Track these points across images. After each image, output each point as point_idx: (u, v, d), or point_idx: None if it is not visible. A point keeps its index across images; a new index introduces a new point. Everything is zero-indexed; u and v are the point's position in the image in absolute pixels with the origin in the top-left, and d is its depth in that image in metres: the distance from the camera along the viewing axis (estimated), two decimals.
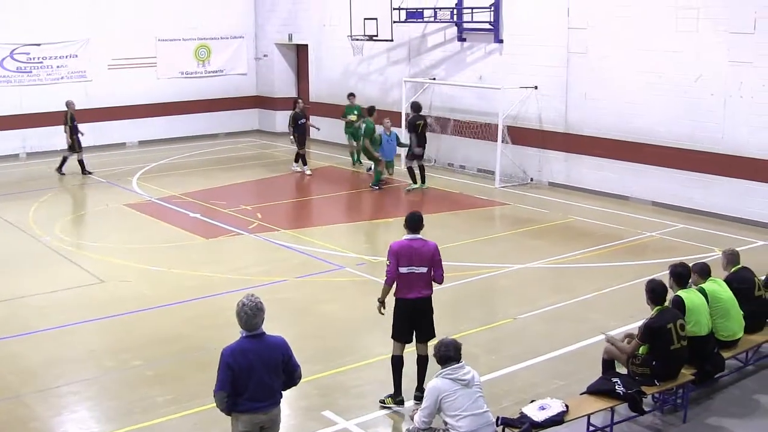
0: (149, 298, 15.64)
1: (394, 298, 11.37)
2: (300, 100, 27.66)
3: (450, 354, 9.21)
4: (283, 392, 8.59)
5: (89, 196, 24.17)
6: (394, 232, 20.65)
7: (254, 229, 20.28)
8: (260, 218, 21.24)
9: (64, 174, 26.91)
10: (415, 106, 25.13)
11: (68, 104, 27.26)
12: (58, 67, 31.01)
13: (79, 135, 27.09)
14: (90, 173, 26.99)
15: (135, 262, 17.69)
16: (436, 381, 9.18)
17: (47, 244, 19.19)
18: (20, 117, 30.40)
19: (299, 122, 26.70)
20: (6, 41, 29.84)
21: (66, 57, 31.08)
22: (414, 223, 11.53)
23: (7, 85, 30.07)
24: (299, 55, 34.69)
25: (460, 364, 9.20)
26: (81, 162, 27.16)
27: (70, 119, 27.00)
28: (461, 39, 26.67)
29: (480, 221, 21.31)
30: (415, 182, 24.55)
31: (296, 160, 27.12)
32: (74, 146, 27.04)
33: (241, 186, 25.51)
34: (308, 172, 26.55)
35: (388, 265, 11.22)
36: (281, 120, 34.98)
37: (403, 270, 11.17)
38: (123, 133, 32.52)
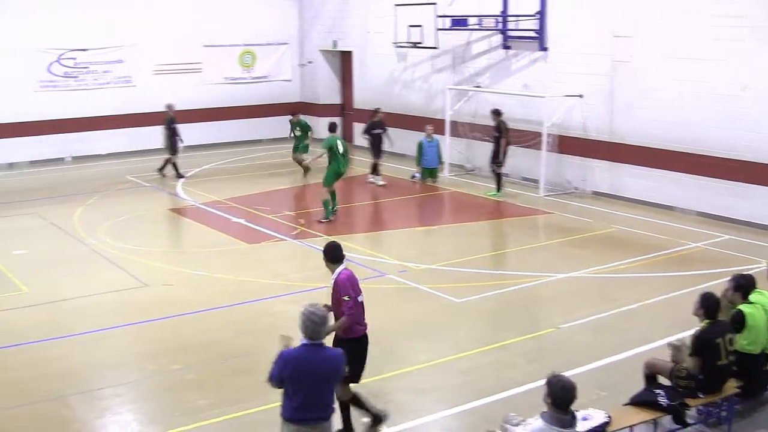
0: (191, 302, 15.69)
1: (351, 336, 10.53)
2: (379, 109, 27.35)
3: (570, 398, 7.86)
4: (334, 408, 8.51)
5: (134, 201, 24.30)
6: (438, 239, 20.65)
7: (297, 235, 20.31)
8: (303, 224, 21.28)
9: (165, 176, 27.41)
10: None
11: (168, 107, 27.69)
12: (103, 72, 31.27)
13: (178, 138, 27.45)
14: (182, 176, 27.41)
15: (178, 266, 17.77)
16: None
17: (92, 247, 19.33)
18: (66, 121, 30.68)
19: (373, 131, 26.66)
20: (54, 46, 30.16)
21: (112, 62, 31.34)
22: (338, 253, 10.90)
23: (54, 90, 30.37)
24: (344, 61, 34.74)
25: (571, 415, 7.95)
26: (175, 165, 27.56)
27: (169, 121, 27.38)
28: (506, 47, 26.59)
29: (523, 230, 21.21)
30: (498, 189, 24.74)
31: (373, 171, 26.71)
32: (172, 148, 27.38)
33: (284, 192, 25.57)
34: (380, 183, 26.27)
35: (347, 300, 10.44)
36: (325, 126, 34.99)
37: (360, 299, 10.62)
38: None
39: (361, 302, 10.64)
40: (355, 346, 10.40)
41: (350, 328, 10.46)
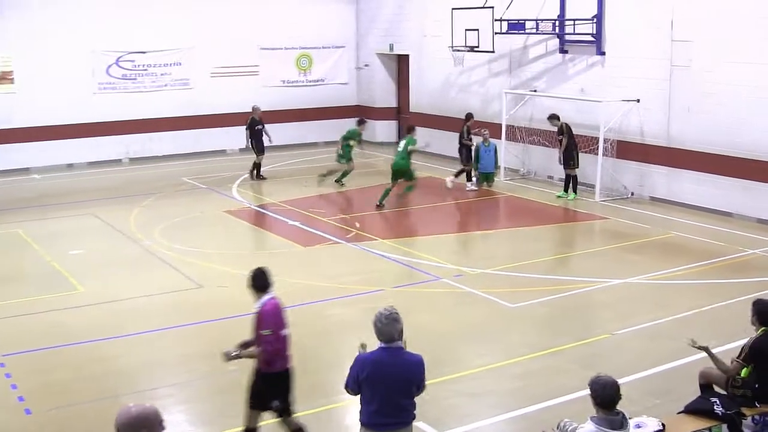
0: (245, 304, 15.60)
1: (273, 370, 9.87)
2: (471, 115, 26.88)
3: (612, 395, 7.86)
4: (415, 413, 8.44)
5: (190, 202, 24.51)
6: (494, 244, 20.61)
7: (352, 239, 20.37)
8: (359, 227, 21.34)
9: (264, 178, 27.79)
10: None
11: (253, 108, 28.15)
12: (162, 74, 31.62)
13: (265, 138, 27.88)
14: (263, 178, 27.77)
15: (233, 267, 17.87)
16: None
17: (147, 248, 19.55)
18: (124, 123, 31.08)
19: (463, 140, 26.47)
20: (113, 49, 30.55)
21: (170, 65, 31.68)
22: (265, 281, 10.37)
23: (112, 92, 30.77)
24: (400, 65, 34.78)
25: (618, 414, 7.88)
26: (258, 166, 27.87)
27: (251, 123, 27.70)
28: (563, 51, 26.48)
29: (579, 235, 21.13)
30: (566, 191, 24.74)
31: (467, 178, 26.42)
32: (256, 149, 27.75)
33: (340, 195, 25.66)
34: (449, 185, 26.11)
35: (268, 334, 9.77)
36: (381, 130, 35.12)
37: (284, 333, 9.94)
38: (224, 141, 32.94)
39: (285, 336, 9.90)
40: (277, 379, 9.84)
41: (272, 361, 9.76)
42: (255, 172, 27.77)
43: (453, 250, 19.69)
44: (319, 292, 16.26)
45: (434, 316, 15.21)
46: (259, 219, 22.48)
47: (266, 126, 28.14)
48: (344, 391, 8.61)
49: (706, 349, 10.52)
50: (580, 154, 24.58)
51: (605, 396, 7.75)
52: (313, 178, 26.93)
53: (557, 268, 18.41)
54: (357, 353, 8.48)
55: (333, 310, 15.31)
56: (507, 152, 27.32)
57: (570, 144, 24.49)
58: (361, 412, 8.36)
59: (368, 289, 16.46)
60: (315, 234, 20.98)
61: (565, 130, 24.44)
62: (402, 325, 8.32)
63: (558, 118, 24.71)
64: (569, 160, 24.53)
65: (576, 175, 24.64)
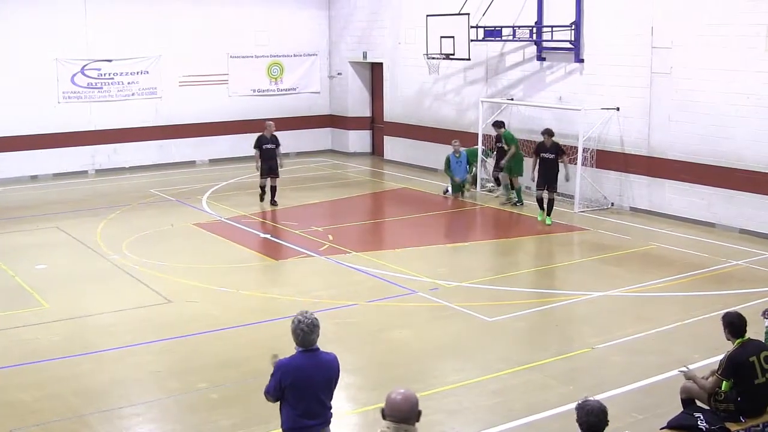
0: (216, 319, 15.74)
1: None
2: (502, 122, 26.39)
3: (597, 423, 7.65)
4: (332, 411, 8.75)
5: (158, 215, 24.40)
6: (470, 256, 20.62)
7: (325, 251, 20.33)
8: (332, 240, 21.31)
9: (275, 204, 25.34)
10: None
11: (265, 125, 25.54)
12: (128, 83, 31.51)
13: (279, 160, 25.26)
14: (274, 203, 25.34)
15: (203, 282, 17.83)
16: None
17: (114, 263, 19.44)
18: (90, 133, 30.94)
19: (497, 144, 26.25)
20: (77, 57, 30.42)
21: (137, 73, 31.58)
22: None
23: (77, 101, 30.62)
24: (374, 73, 34.81)
25: None
26: (263, 189, 25.54)
27: (258, 141, 25.23)
28: (540, 58, 26.57)
29: (558, 247, 21.16)
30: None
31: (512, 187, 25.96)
32: (260, 170, 25.31)
33: (312, 207, 25.61)
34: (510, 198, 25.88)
35: None
36: (354, 140, 35.13)
37: None
38: (193, 151, 32.93)
39: None
40: None
41: None
42: (264, 196, 25.52)
43: (429, 263, 19.70)
44: (292, 307, 16.15)
45: (410, 331, 15.20)
46: (229, 232, 22.40)
47: (278, 143, 25.52)
48: None
49: (693, 377, 10.57)
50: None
51: (590, 423, 7.61)
52: (281, 190, 26.83)
53: (536, 281, 18.43)
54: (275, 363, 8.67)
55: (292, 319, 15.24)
56: (483, 162, 27.38)
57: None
58: (284, 419, 8.60)
59: (342, 303, 16.43)
60: (287, 247, 20.95)
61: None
62: (319, 329, 8.59)
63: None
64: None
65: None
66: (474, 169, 26.93)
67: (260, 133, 25.34)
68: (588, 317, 15.97)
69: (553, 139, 22.83)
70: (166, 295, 17.06)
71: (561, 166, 22.75)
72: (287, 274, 19.17)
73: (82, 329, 15.43)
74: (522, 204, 24.90)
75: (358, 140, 35.30)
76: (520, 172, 25.20)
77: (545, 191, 22.90)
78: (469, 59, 27.17)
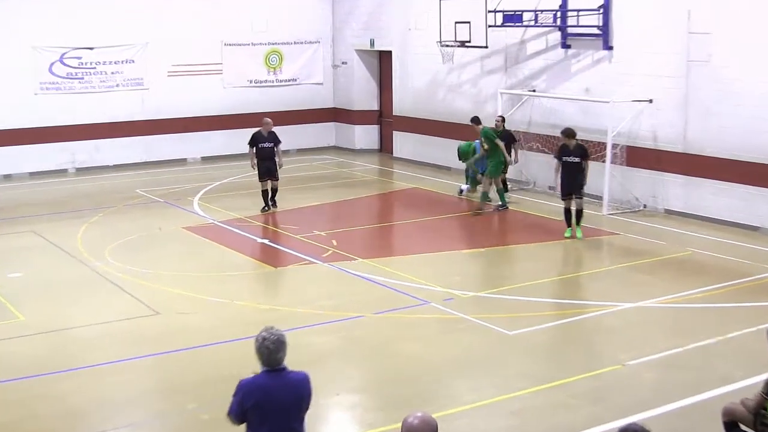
0: (209, 332, 15.72)
1: None
2: (502, 117, 26.43)
3: None
4: None
5: (145, 218, 24.42)
6: (488, 263, 20.60)
7: (329, 258, 20.32)
8: (336, 245, 21.29)
9: (275, 207, 25.07)
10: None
11: (262, 122, 25.17)
12: (112, 73, 31.56)
13: (279, 159, 24.91)
14: (270, 208, 25.05)
15: (194, 292, 17.83)
16: None
17: (97, 270, 19.44)
18: (70, 128, 30.99)
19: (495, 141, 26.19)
20: (56, 44, 30.44)
21: (122, 62, 31.63)
22: None
23: (56, 93, 30.66)
24: (382, 62, 34.83)
25: None
26: (264, 194, 25.07)
27: (252, 139, 24.94)
28: (565, 45, 26.54)
29: (584, 253, 21.11)
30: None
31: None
32: (258, 172, 24.94)
33: (315, 209, 25.61)
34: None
35: None
36: (361, 135, 35.13)
37: None
38: (184, 148, 32.98)
39: None
40: None
41: None
42: (266, 200, 25.09)
43: (442, 271, 19.67)
44: (292, 319, 16.18)
45: (421, 345, 15.17)
46: (223, 236, 22.40)
47: (278, 141, 25.17)
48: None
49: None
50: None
51: None
52: (280, 190, 26.84)
53: (560, 291, 18.40)
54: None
55: (308, 339, 15.22)
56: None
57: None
58: None
59: (347, 315, 16.40)
60: (286, 253, 20.93)
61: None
62: (287, 346, 8.43)
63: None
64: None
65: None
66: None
67: (257, 130, 25.09)
68: (617, 330, 15.91)
69: (577, 139, 22.03)
70: (154, 305, 17.04)
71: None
72: (287, 282, 19.17)
73: (60, 344, 15.41)
74: (506, 208, 24.82)
75: (365, 136, 35.31)
76: (498, 173, 24.85)
77: (572, 200, 21.90)
78: (486, 47, 27.14)
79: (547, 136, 26.38)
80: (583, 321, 16.29)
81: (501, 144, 24.60)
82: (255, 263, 20.58)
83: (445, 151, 29.15)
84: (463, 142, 26.84)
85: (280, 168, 25.15)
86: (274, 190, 25.14)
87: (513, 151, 25.65)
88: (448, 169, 29.63)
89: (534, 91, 27.44)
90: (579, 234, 21.87)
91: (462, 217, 24.57)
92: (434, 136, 29.84)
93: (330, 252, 20.79)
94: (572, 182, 21.75)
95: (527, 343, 15.19)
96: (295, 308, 16.84)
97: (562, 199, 22.16)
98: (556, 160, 22.34)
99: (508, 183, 26.14)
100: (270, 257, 20.86)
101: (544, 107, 27.14)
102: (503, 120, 25.93)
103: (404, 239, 23.04)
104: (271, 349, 8.33)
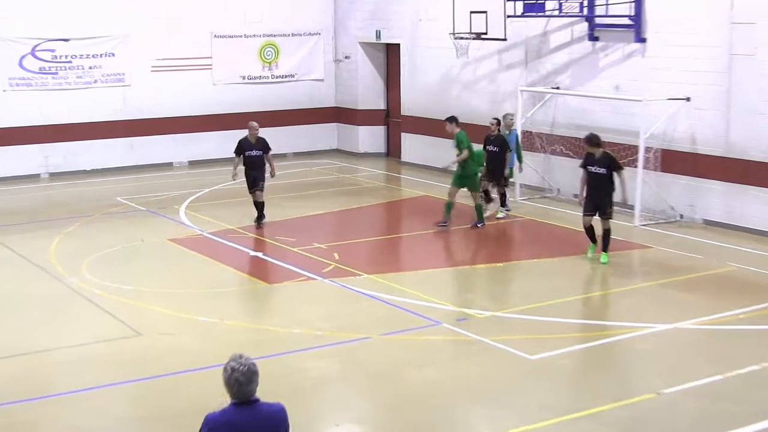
0: (196, 355, 15.68)
1: None
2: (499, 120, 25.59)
3: None
4: None
5: (125, 228, 24.43)
6: (507, 279, 20.56)
7: (329, 273, 20.30)
8: (337, 259, 21.27)
9: (261, 222, 24.58)
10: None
11: (248, 126, 24.72)
12: (90, 68, 31.58)
13: (270, 167, 24.55)
14: (261, 221, 24.57)
15: (179, 310, 17.79)
16: None
17: (72, 287, 19.41)
18: (42, 129, 31.02)
19: (487, 147, 25.30)
20: (27, 35, 30.44)
21: (100, 56, 31.65)
22: None
23: (27, 90, 30.67)
24: (389, 57, 34.86)
25: None
26: (258, 206, 24.63)
27: (238, 147, 24.60)
28: (593, 38, 26.52)
29: (614, 268, 21.03)
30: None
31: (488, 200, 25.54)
32: (247, 183, 24.64)
33: (314, 219, 25.58)
34: (500, 215, 25.44)
35: None
36: (365, 137, 35.12)
37: None
38: (169, 151, 32.99)
39: None
40: None
41: None
42: (260, 211, 24.64)
43: (456, 288, 19.64)
44: (288, 341, 16.16)
45: (432, 371, 15.12)
46: (212, 249, 22.38)
47: (268, 149, 24.76)
48: None
49: None
50: None
51: None
52: (276, 198, 26.80)
53: (587, 310, 18.36)
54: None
55: (308, 363, 15.20)
56: (524, 164, 27.18)
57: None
58: None
59: (351, 336, 16.36)
60: (283, 267, 20.91)
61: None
62: (259, 376, 8.29)
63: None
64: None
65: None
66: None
67: (244, 136, 24.71)
68: (651, 355, 15.86)
69: (603, 148, 20.98)
70: (135, 326, 17.01)
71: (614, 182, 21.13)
72: (283, 300, 19.12)
73: (32, 368, 15.36)
74: (483, 225, 24.31)
75: (370, 138, 35.36)
76: (476, 187, 24.20)
77: (597, 217, 21.05)
78: (505, 39, 27.14)
79: (572, 138, 26.37)
80: (613, 344, 16.24)
81: (478, 151, 24.35)
82: (247, 279, 20.56)
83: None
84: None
85: (272, 177, 24.86)
86: (263, 204, 24.67)
87: (506, 160, 25.14)
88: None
89: (558, 88, 27.42)
90: (605, 259, 20.96)
91: (478, 229, 24.51)
92: (447, 139, 29.72)
93: (331, 267, 20.77)
94: (597, 197, 20.89)
95: (551, 368, 15.14)
96: (292, 329, 16.80)
97: (585, 215, 21.20)
98: (582, 170, 21.39)
99: (507, 197, 25.80)
100: (264, 272, 20.84)
101: (568, 106, 27.12)
102: (499, 123, 25.25)
103: (414, 253, 23.00)
104: (241, 381, 8.16)
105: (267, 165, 24.61)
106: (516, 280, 20.62)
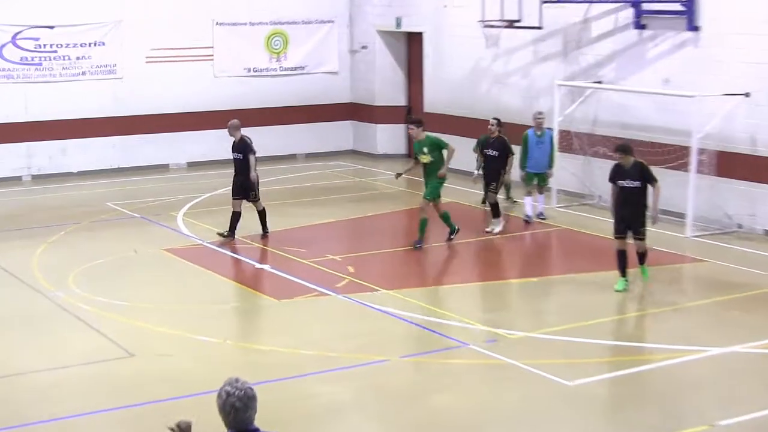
0: (194, 379, 15.69)
1: None
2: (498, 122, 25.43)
3: None
4: None
5: (116, 237, 24.50)
6: (542, 296, 20.54)
7: (344, 288, 20.33)
8: (353, 273, 21.31)
9: (228, 235, 24.19)
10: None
11: (231, 126, 24.53)
12: (77, 58, 31.65)
13: (253, 174, 23.98)
14: (226, 235, 24.09)
15: (177, 328, 17.83)
16: None
17: (57, 301, 19.46)
18: (24, 126, 31.10)
19: (484, 151, 25.39)
20: (7, 21, 30.53)
21: (89, 45, 31.73)
22: None
23: (7, 82, 30.77)
24: (410, 47, 34.89)
25: None
26: (235, 216, 24.27)
27: (250, 147, 24.23)
28: (639, 26, 26.49)
29: (663, 285, 21.00)
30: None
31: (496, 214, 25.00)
32: (257, 191, 24.26)
33: (327, 228, 25.62)
34: (493, 229, 24.81)
35: None
36: (384, 137, 35.13)
37: None
38: (165, 152, 33.06)
39: None
40: None
41: None
42: (234, 227, 24.13)
43: (484, 305, 19.65)
44: (299, 364, 16.19)
45: (458, 398, 15.12)
46: (213, 261, 22.43)
47: (248, 151, 24.16)
48: None
49: None
50: (663, 171, 24.47)
51: None
52: (285, 204, 26.84)
53: (631, 331, 18.36)
54: None
55: (320, 388, 15.22)
56: (561, 169, 27.23)
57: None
58: None
59: (367, 359, 16.38)
60: (292, 282, 20.93)
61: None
62: (257, 402, 8.22)
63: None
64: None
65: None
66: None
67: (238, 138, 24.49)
68: (704, 382, 15.84)
69: (635, 158, 20.03)
70: (127, 345, 17.05)
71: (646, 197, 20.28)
72: (291, 318, 19.11)
73: (13, 392, 15.42)
74: (421, 247, 23.45)
75: (389, 138, 35.39)
76: (436, 195, 23.65)
77: (630, 238, 20.02)
78: (540, 28, 27.17)
79: (616, 138, 26.28)
80: (661, 370, 16.20)
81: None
82: (252, 294, 20.59)
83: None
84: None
85: (257, 184, 24.23)
86: (261, 214, 24.42)
87: (508, 166, 25.04)
88: None
89: (600, 82, 27.40)
90: (645, 275, 20.31)
91: (509, 239, 24.53)
92: (475, 139, 29.78)
93: (346, 281, 20.81)
94: (630, 216, 19.84)
95: (590, 396, 15.15)
96: (302, 350, 16.82)
97: (615, 238, 20.23)
98: (611, 185, 20.34)
99: (500, 205, 25.57)
100: (271, 287, 20.87)
101: (612, 103, 27.09)
102: (499, 124, 25.10)
103: (437, 266, 23.03)
104: (237, 407, 8.07)
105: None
106: (551, 296, 20.62)
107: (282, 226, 25.22)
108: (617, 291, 19.94)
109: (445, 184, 23.56)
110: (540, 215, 25.66)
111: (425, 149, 23.50)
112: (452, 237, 23.68)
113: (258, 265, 22.20)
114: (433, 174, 23.47)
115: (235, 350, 17.01)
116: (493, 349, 16.87)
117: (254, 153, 24.12)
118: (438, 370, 16.18)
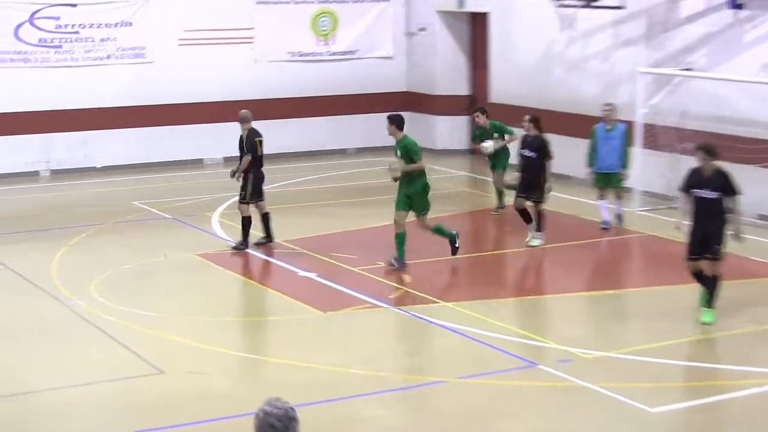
0: (232, 400, 15.76)
1: None
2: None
3: None
4: None
5: (144, 240, 24.60)
6: (621, 311, 20.47)
7: (398, 300, 20.37)
8: (409, 283, 21.33)
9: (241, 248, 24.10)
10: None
11: (243, 118, 25.24)
12: (101, 40, 31.81)
13: (238, 172, 24.54)
14: (240, 247, 24.05)
15: (210, 343, 17.89)
16: None
17: (77, 311, 19.59)
18: (42, 115, 31.26)
19: (520, 151, 25.09)
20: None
21: (115, 25, 31.87)
22: None
23: (24, 66, 30.94)
24: (475, 29, 34.90)
25: None
26: (264, 218, 24.42)
27: (248, 144, 24.65)
28: (735, 5, 26.37)
29: (760, 299, 20.93)
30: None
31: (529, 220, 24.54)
32: (245, 192, 24.33)
33: (380, 232, 25.59)
34: (532, 243, 24.08)
35: None
36: (445, 130, 35.14)
37: None
38: (200, 145, 33.14)
39: None
40: None
41: None
42: (245, 232, 24.15)
43: (557, 321, 19.65)
44: (344, 383, 16.22)
45: (525, 424, 15.11)
46: (252, 267, 22.51)
47: (254, 139, 24.88)
48: None
49: None
50: (761, 170, 24.38)
51: None
52: (334, 204, 26.89)
53: (723, 353, 18.28)
54: None
55: (367, 411, 15.27)
56: (645, 167, 27.13)
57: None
58: None
59: (422, 379, 16.42)
60: (340, 292, 21.00)
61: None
62: (300, 424, 8.23)
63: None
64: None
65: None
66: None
67: (246, 131, 24.92)
68: None
69: (717, 162, 18.74)
70: (155, 361, 17.13)
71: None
72: (338, 332, 19.13)
73: (29, 411, 15.55)
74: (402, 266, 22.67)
75: (451, 131, 35.39)
76: (425, 208, 22.89)
77: (704, 260, 18.56)
78: (622, 8, 27.10)
79: (708, 133, 26.21)
80: (757, 396, 16.07)
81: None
82: (295, 305, 20.56)
83: (566, 153, 29.01)
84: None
85: (236, 179, 24.63)
86: (264, 217, 24.31)
87: (547, 172, 24.38)
88: (569, 177, 29.49)
89: (690, 69, 27.30)
90: (708, 318, 18.63)
91: (588, 246, 24.46)
92: (548, 133, 29.82)
93: (400, 292, 20.86)
94: (706, 232, 18.45)
95: (677, 424, 15.15)
96: (349, 368, 16.85)
97: (689, 259, 18.80)
98: (682, 194, 19.18)
99: (545, 217, 25.38)
100: (316, 297, 20.86)
101: (704, 93, 26.99)
102: (535, 120, 24.58)
103: (503, 276, 23.04)
104: (277, 427, 8.03)
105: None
106: (632, 311, 20.55)
107: (328, 229, 25.29)
108: (704, 324, 18.63)
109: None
110: (619, 219, 25.40)
111: (398, 152, 22.88)
112: (457, 245, 22.88)
113: (302, 273, 22.18)
114: (406, 181, 22.74)
115: (274, 368, 17.05)
116: (565, 369, 16.81)
117: (254, 153, 24.35)
118: (501, 393, 16.14)
